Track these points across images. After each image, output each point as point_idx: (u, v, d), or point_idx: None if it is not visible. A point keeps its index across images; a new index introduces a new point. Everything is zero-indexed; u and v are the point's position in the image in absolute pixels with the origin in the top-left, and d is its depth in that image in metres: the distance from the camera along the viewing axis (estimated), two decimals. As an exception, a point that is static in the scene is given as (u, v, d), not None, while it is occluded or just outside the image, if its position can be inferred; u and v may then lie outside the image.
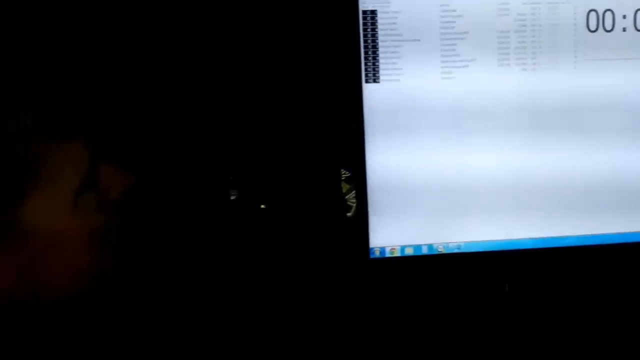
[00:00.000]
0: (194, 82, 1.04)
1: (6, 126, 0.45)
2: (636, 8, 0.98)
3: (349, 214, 1.18)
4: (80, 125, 0.50)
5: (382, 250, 1.00)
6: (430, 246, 1.01)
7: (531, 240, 1.03)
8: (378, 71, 0.95)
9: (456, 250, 1.02)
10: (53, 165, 0.49)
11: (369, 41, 0.94)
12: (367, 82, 0.95)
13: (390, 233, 1.00)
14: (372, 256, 1.00)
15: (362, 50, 0.94)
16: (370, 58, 0.94)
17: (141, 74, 1.00)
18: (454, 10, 0.94)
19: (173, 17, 1.01)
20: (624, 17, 0.99)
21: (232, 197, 1.16)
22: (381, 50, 0.94)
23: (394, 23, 0.93)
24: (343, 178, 1.19)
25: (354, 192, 1.15)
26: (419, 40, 0.94)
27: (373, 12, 0.93)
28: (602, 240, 1.03)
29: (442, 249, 1.02)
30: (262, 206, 1.17)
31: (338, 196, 1.17)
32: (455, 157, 0.99)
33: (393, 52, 0.94)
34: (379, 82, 0.95)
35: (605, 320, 1.08)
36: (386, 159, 0.98)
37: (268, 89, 1.07)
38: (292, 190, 1.15)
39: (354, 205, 1.15)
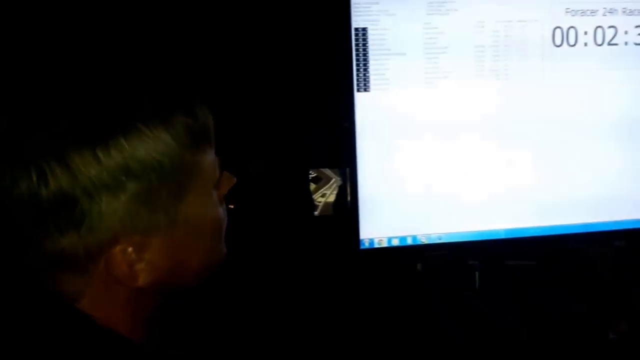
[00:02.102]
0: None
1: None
2: (596, 25, 1.11)
3: (315, 213, 1.28)
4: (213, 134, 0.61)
5: (371, 241, 1.12)
6: (414, 237, 1.13)
7: (503, 230, 1.15)
8: (368, 81, 1.05)
9: (437, 241, 1.14)
10: (202, 168, 0.60)
11: (360, 55, 1.04)
12: (358, 90, 1.06)
13: (378, 225, 1.11)
14: (362, 247, 1.11)
15: (354, 63, 1.04)
16: (361, 69, 1.05)
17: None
18: (436, 28, 1.06)
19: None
20: (585, 33, 1.11)
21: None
22: (371, 63, 1.05)
23: (383, 39, 1.04)
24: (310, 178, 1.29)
25: (320, 191, 1.26)
26: (405, 54, 1.06)
27: (364, 29, 1.04)
28: (565, 230, 1.16)
29: (424, 240, 1.13)
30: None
31: (307, 195, 1.26)
32: (437, 158, 1.10)
33: (382, 64, 1.05)
34: (369, 91, 1.06)
35: (575, 310, 1.21)
36: (375, 159, 1.09)
37: (265, 98, 1.16)
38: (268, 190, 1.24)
39: (320, 204, 1.26)
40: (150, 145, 0.53)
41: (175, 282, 0.62)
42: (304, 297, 1.17)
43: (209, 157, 0.61)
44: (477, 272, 1.24)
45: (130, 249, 0.55)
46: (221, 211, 0.65)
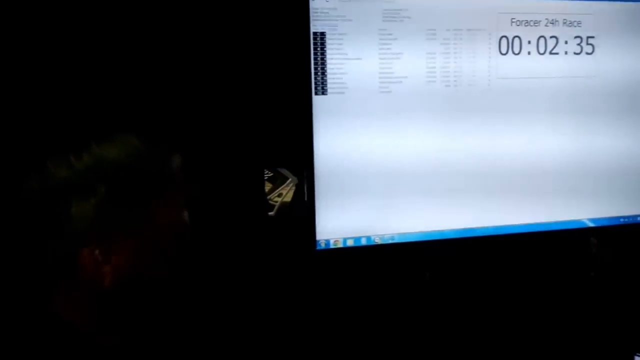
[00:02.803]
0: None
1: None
2: (539, 35, 1.17)
3: (271, 213, 1.29)
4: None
5: (327, 242, 1.14)
6: (368, 238, 1.16)
7: (453, 231, 1.19)
8: (326, 84, 1.08)
9: (390, 241, 1.17)
10: (170, 172, 0.61)
11: (318, 59, 1.07)
12: (316, 94, 1.08)
13: (334, 227, 1.14)
14: (318, 248, 1.13)
15: (312, 66, 1.06)
16: (319, 73, 1.07)
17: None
18: (391, 34, 1.09)
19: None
20: (529, 42, 1.17)
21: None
22: (329, 67, 1.07)
23: (340, 43, 1.07)
24: (266, 178, 1.29)
25: (276, 191, 1.27)
26: (361, 58, 1.08)
27: (322, 33, 1.06)
28: (511, 230, 1.22)
29: (378, 240, 1.17)
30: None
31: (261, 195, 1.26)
32: (391, 161, 1.13)
33: (339, 69, 1.08)
34: (326, 94, 1.08)
35: (517, 305, 1.27)
36: (331, 161, 1.11)
37: (224, 99, 1.16)
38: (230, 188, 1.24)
39: (277, 204, 1.27)
40: (120, 150, 0.55)
41: (139, 283, 0.62)
42: (258, 298, 1.18)
43: (176, 161, 0.63)
44: (427, 273, 1.28)
45: (97, 252, 0.56)
46: (186, 215, 0.66)
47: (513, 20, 1.16)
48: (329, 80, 1.08)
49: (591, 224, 1.26)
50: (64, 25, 0.97)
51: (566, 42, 1.19)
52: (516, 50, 1.17)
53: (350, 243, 1.15)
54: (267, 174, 1.31)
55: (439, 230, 1.19)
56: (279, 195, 1.34)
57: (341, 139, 1.11)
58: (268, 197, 1.32)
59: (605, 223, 1.27)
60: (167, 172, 0.61)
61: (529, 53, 1.18)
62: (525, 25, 1.17)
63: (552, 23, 1.17)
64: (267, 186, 1.31)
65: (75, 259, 0.55)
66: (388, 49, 1.10)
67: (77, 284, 0.57)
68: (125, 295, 0.62)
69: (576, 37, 1.19)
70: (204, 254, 1.17)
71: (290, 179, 1.33)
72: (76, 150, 0.53)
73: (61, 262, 0.56)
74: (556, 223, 1.24)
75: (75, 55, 0.95)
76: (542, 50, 1.18)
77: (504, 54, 1.16)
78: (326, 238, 1.14)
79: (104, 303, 0.60)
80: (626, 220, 1.28)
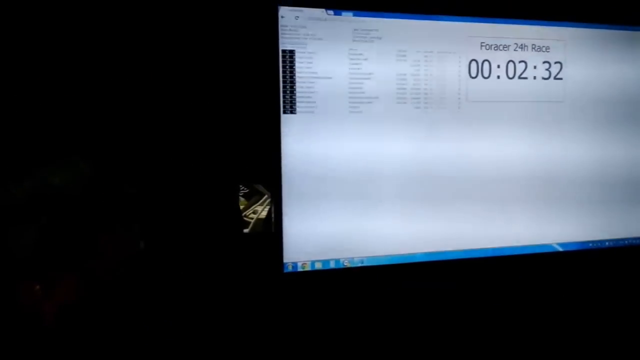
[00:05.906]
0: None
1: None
2: (508, 60, 1.18)
3: (246, 230, 1.25)
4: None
5: (295, 265, 1.11)
6: (337, 261, 1.13)
7: (422, 254, 1.18)
8: (295, 103, 1.06)
9: (359, 264, 1.15)
10: (122, 199, 0.56)
11: (287, 77, 1.05)
12: (284, 112, 1.06)
13: (301, 248, 1.11)
14: (285, 270, 1.10)
15: (281, 85, 1.05)
16: (287, 92, 1.05)
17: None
18: (361, 54, 1.08)
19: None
20: (498, 66, 1.18)
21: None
22: (298, 85, 1.06)
23: (310, 62, 1.06)
24: (240, 194, 1.26)
25: (252, 207, 1.24)
26: (331, 78, 1.07)
27: (291, 51, 1.04)
28: (480, 254, 1.20)
29: (347, 264, 1.14)
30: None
31: (236, 212, 1.23)
32: (361, 183, 1.12)
33: (308, 88, 1.06)
34: (295, 113, 1.06)
35: (487, 328, 1.25)
36: (300, 179, 1.09)
37: (191, 119, 1.14)
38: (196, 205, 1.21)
39: (252, 221, 1.24)
40: (66, 175, 0.51)
41: (83, 320, 0.58)
42: (228, 316, 1.14)
43: (130, 189, 0.59)
44: (399, 294, 1.26)
45: (37, 287, 0.52)
46: (142, 245, 0.63)
47: (483, 44, 1.16)
48: (297, 100, 1.06)
49: (560, 248, 1.25)
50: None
51: (535, 67, 1.19)
52: (486, 74, 1.17)
53: (318, 266, 1.12)
54: (242, 190, 1.28)
55: (409, 254, 1.17)
56: (254, 212, 1.31)
57: (310, 159, 1.09)
58: (243, 214, 1.29)
59: (575, 247, 1.27)
60: (118, 200, 0.57)
61: (498, 77, 1.18)
62: (495, 50, 1.17)
63: (521, 48, 1.18)
64: (243, 203, 1.28)
65: (13, 295, 0.51)
66: (358, 69, 1.09)
67: (15, 323, 0.53)
68: (68, 333, 0.58)
69: (545, 62, 1.20)
70: (178, 273, 1.13)
71: (266, 195, 1.31)
72: (16, 175, 0.48)
73: None
74: (525, 247, 1.24)
75: (15, 65, 0.91)
76: (511, 75, 1.18)
77: (474, 78, 1.16)
78: (294, 260, 1.11)
79: (44, 342, 0.56)
80: (594, 245, 1.28)
